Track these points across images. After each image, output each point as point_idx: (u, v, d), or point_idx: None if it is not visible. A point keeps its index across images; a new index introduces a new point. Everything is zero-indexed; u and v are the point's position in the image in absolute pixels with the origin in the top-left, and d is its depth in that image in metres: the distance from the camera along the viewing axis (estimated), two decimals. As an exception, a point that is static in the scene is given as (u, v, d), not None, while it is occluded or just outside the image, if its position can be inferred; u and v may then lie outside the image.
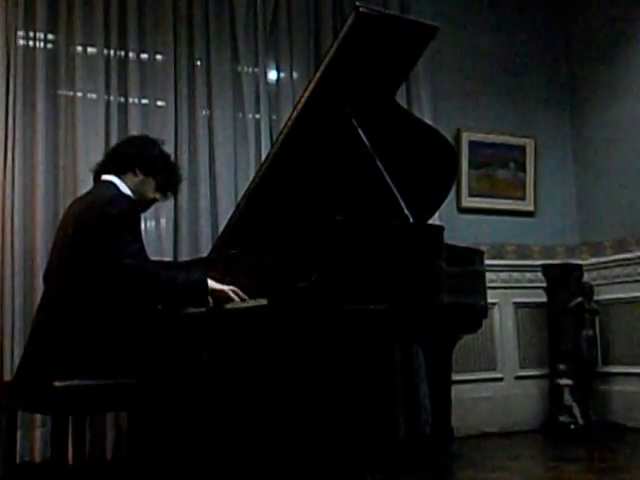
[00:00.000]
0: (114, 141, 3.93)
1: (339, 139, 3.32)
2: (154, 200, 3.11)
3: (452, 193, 4.11)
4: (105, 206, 2.80)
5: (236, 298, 2.83)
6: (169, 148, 4.04)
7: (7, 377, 3.52)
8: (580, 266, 4.88)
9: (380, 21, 3.14)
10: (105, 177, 2.99)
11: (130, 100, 4.06)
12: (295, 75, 4.43)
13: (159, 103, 4.15)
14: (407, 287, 2.95)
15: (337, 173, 3.42)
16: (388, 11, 4.13)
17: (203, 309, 2.89)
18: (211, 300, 2.84)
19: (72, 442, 2.75)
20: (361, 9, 3.05)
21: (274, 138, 4.08)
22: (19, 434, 3.46)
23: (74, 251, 2.80)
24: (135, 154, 3.00)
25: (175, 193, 3.31)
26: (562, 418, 4.63)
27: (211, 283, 2.84)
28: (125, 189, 2.95)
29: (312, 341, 2.73)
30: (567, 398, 4.64)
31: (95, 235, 2.75)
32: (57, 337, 2.72)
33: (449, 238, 3.21)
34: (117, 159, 3.01)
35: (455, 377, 3.57)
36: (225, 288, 2.84)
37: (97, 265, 2.75)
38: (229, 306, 2.84)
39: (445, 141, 3.54)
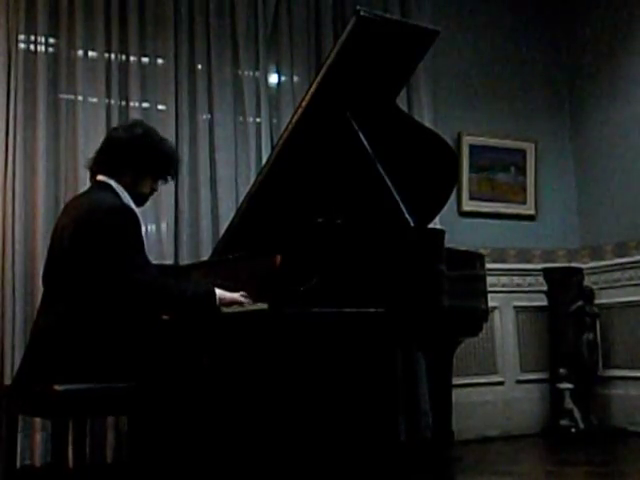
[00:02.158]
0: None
1: (340, 143, 3.32)
2: (153, 191, 3.06)
3: (453, 197, 4.12)
4: (104, 218, 2.75)
5: (245, 301, 2.82)
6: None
7: (8, 381, 3.52)
8: (581, 270, 4.88)
9: (381, 25, 3.14)
10: (101, 178, 2.94)
11: (131, 104, 4.07)
12: (296, 79, 4.44)
13: (160, 107, 4.15)
14: (408, 291, 2.95)
15: (338, 177, 3.42)
16: (389, 15, 4.14)
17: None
18: (222, 309, 2.82)
19: (72, 446, 2.75)
20: (362, 13, 3.05)
21: (275, 142, 4.08)
22: (19, 438, 3.46)
23: (73, 259, 2.77)
24: (125, 158, 2.92)
25: (175, 177, 3.19)
26: (563, 422, 4.63)
27: (219, 292, 2.82)
28: (122, 192, 2.91)
29: (312, 345, 2.72)
30: (568, 402, 4.64)
31: (95, 247, 2.71)
32: (58, 341, 2.71)
33: (450, 242, 3.21)
34: (109, 160, 2.94)
35: (456, 381, 3.57)
36: (235, 296, 2.83)
37: (100, 276, 2.71)
38: (229, 310, 2.84)
39: (446, 145, 3.54)
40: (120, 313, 2.77)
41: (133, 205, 2.93)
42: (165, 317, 2.99)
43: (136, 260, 2.75)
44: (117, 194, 2.90)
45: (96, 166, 2.98)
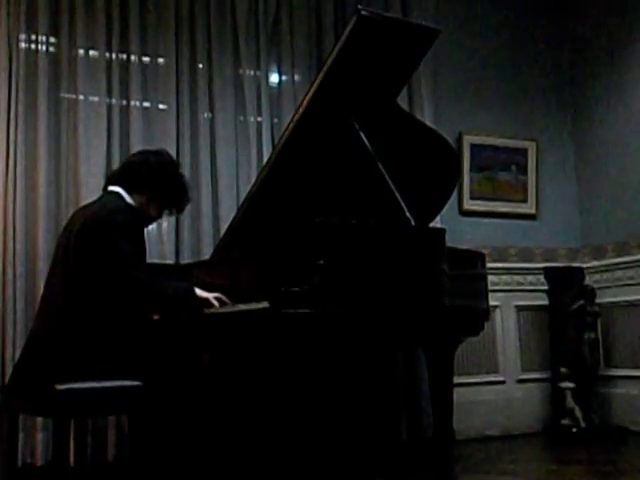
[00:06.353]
0: (116, 144, 3.97)
1: (341, 142, 3.32)
2: (157, 218, 3.15)
3: (454, 196, 4.11)
4: (110, 214, 2.82)
5: (217, 304, 2.88)
6: (171, 151, 4.05)
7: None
8: (582, 269, 4.88)
9: (382, 24, 3.14)
10: (112, 188, 3.01)
11: (132, 103, 4.07)
12: (297, 78, 4.44)
13: (161, 106, 4.15)
14: (409, 290, 2.95)
15: (339, 176, 3.42)
16: (390, 14, 4.14)
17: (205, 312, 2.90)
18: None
19: (74, 445, 2.75)
20: (363, 12, 3.04)
21: (276, 141, 4.08)
22: (21, 437, 3.46)
23: (78, 258, 2.81)
24: (149, 179, 3.00)
25: (180, 213, 3.30)
26: (564, 421, 4.62)
27: (198, 291, 2.89)
28: (130, 201, 2.97)
29: (314, 344, 2.72)
30: (569, 401, 4.63)
31: (99, 242, 2.77)
32: (59, 340, 2.72)
33: (451, 241, 3.20)
34: (130, 177, 3.01)
35: (457, 380, 3.56)
36: (210, 296, 2.89)
37: (102, 271, 2.76)
38: (230, 309, 2.84)
39: (447, 144, 3.54)
40: (121, 313, 2.79)
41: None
42: (155, 317, 3.02)
43: (138, 259, 2.80)
44: (124, 199, 2.96)
45: (114, 178, 3.05)
